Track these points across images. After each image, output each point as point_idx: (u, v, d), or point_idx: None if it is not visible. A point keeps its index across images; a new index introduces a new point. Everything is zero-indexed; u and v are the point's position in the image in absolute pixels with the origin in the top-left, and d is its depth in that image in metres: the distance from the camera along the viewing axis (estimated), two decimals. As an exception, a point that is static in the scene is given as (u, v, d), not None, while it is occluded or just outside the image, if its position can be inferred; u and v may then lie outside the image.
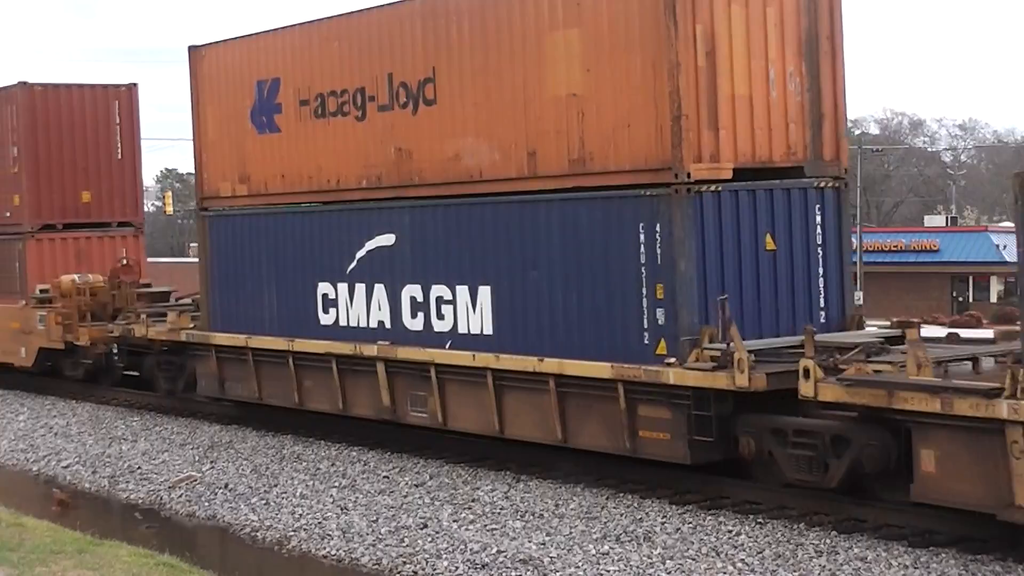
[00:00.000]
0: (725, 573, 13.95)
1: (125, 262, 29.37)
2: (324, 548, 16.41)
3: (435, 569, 15.01)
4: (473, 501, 17.58)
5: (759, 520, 15.63)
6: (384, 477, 19.39)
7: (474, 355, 18.65)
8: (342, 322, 20.99)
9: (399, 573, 15.17)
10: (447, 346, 19.17)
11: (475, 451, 20.08)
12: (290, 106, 21.81)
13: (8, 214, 31.08)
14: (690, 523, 15.76)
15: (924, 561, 13.73)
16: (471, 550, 15.39)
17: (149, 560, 14.85)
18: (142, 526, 18.70)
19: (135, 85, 31.52)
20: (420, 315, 19.66)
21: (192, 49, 24.06)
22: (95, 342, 27.94)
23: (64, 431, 25.63)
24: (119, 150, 31.19)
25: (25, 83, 30.45)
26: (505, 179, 18.44)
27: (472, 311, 18.88)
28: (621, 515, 16.31)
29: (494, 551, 15.26)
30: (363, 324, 20.62)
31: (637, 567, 14.31)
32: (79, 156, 30.86)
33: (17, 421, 27.23)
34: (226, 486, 19.84)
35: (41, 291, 29.56)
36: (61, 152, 30.64)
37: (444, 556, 15.34)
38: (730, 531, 15.34)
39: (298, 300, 21.88)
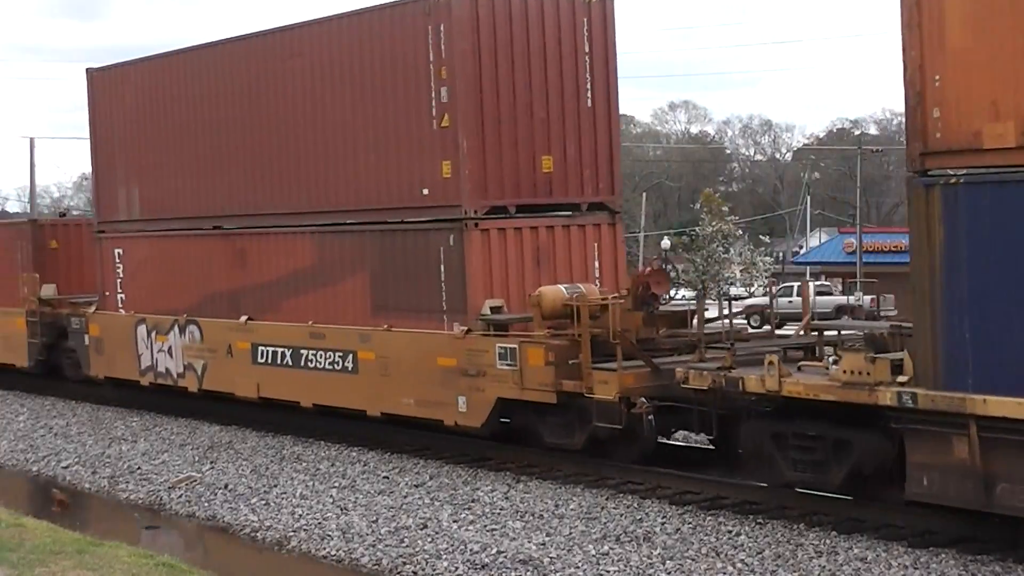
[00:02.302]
0: (725, 573, 13.97)
1: (656, 266, 19.59)
2: (324, 548, 16.42)
3: (435, 569, 15.02)
4: (473, 501, 17.58)
5: (759, 520, 15.66)
6: (384, 477, 19.40)
7: None
8: None
9: (399, 573, 15.18)
10: None
11: (475, 451, 20.06)
12: None
13: (425, 192, 20.52)
14: (690, 523, 15.78)
15: (924, 561, 13.76)
16: (471, 550, 15.40)
17: (149, 560, 14.86)
18: (142, 526, 18.71)
19: None
20: None
21: None
22: (629, 395, 17.48)
23: (64, 431, 25.66)
24: (588, 94, 20.97)
25: None
26: None
27: None
28: (621, 515, 16.32)
29: (494, 551, 15.26)
30: None
31: (637, 567, 14.31)
32: (536, 103, 20.56)
33: (17, 421, 27.27)
34: (226, 486, 19.84)
35: (493, 309, 19.81)
36: (513, 97, 20.32)
37: (444, 556, 15.34)
38: (730, 531, 15.36)
39: None
